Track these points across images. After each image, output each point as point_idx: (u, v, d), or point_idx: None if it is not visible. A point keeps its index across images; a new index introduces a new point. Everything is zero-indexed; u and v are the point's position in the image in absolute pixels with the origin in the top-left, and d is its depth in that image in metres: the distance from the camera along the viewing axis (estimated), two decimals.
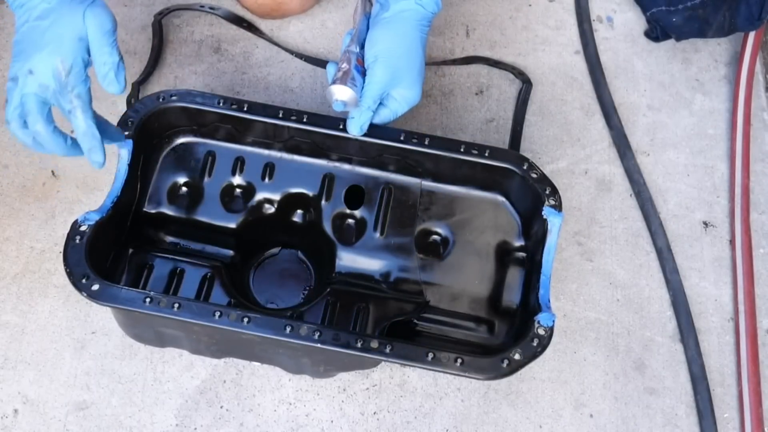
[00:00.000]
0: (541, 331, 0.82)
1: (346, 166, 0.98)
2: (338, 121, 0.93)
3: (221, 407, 0.96)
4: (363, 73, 0.93)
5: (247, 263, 1.00)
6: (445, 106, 1.17)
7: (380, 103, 0.92)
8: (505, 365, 0.80)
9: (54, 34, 0.79)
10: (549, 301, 0.85)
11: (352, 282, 0.96)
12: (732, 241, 1.09)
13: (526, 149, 1.13)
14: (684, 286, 1.05)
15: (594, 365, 1.01)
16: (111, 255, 0.93)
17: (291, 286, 1.00)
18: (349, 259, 0.97)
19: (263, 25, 1.21)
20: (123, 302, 0.81)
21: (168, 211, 0.97)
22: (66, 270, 0.82)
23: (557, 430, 0.97)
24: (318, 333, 0.80)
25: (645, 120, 1.18)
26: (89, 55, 0.80)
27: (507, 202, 0.97)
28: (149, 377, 0.97)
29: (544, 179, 0.91)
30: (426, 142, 0.93)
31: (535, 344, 0.81)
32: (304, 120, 0.93)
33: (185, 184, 0.98)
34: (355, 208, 0.98)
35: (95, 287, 0.81)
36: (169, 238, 0.98)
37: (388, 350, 0.80)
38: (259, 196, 0.98)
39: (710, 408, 0.98)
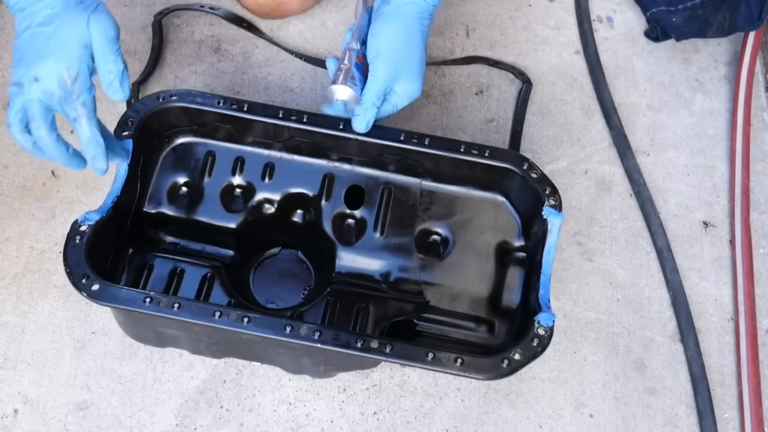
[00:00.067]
0: (541, 331, 0.82)
1: (346, 166, 0.98)
2: (338, 121, 0.93)
3: (221, 407, 0.96)
4: (363, 71, 0.93)
5: (247, 263, 1.00)
6: (445, 106, 1.17)
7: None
8: (505, 365, 0.80)
9: (59, 41, 0.79)
10: (549, 301, 0.85)
11: (352, 282, 0.96)
12: (732, 241, 1.09)
13: (526, 149, 1.13)
14: (684, 286, 1.05)
15: (594, 365, 1.01)
16: (111, 255, 0.93)
17: (291, 286, 1.00)
18: (349, 259, 0.97)
19: (263, 25, 1.21)
20: (123, 302, 0.81)
21: (168, 211, 0.97)
22: (66, 270, 0.82)
23: (557, 430, 0.97)
24: (318, 333, 0.80)
25: (645, 120, 1.18)
26: (93, 62, 0.80)
27: (507, 202, 0.97)
28: (149, 377, 0.97)
29: (544, 179, 0.91)
30: (426, 142, 0.93)
31: (535, 344, 0.81)
32: (304, 120, 0.93)
33: (185, 184, 0.98)
34: (355, 208, 0.98)
35: (95, 287, 0.81)
36: (169, 238, 0.98)
37: (388, 350, 0.80)
38: (259, 196, 0.98)
39: (710, 408, 0.98)
